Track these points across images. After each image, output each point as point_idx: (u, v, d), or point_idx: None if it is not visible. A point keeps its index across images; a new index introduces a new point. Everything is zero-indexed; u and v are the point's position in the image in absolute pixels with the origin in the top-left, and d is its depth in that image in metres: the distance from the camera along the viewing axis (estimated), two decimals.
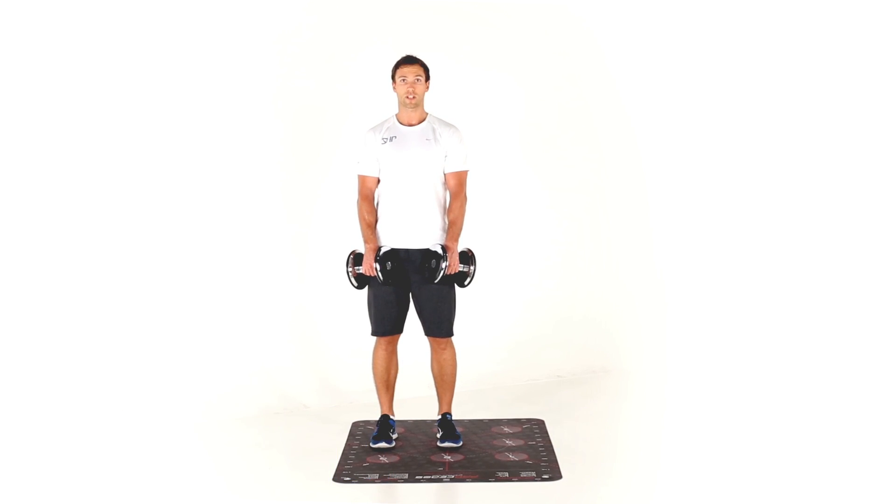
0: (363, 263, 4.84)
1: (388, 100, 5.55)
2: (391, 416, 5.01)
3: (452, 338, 4.93)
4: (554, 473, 4.55)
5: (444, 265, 4.74)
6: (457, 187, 4.86)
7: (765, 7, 5.92)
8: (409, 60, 4.86)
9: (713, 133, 6.22)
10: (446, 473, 4.58)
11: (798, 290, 5.92)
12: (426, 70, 4.87)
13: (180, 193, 5.44)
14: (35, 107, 5.10)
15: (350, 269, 4.88)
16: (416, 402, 5.38)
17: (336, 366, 5.77)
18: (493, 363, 6.06)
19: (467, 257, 4.89)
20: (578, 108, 6.35)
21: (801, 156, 5.92)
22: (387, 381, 4.98)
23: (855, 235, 5.75)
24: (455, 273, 4.81)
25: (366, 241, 4.84)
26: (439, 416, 5.01)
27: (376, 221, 4.87)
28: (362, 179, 4.89)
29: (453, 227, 4.84)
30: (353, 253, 4.92)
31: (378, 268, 4.76)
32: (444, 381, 4.97)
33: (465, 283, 4.91)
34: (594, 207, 6.46)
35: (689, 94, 6.27)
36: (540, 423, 5.31)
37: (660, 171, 6.43)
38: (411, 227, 4.82)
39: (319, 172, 5.79)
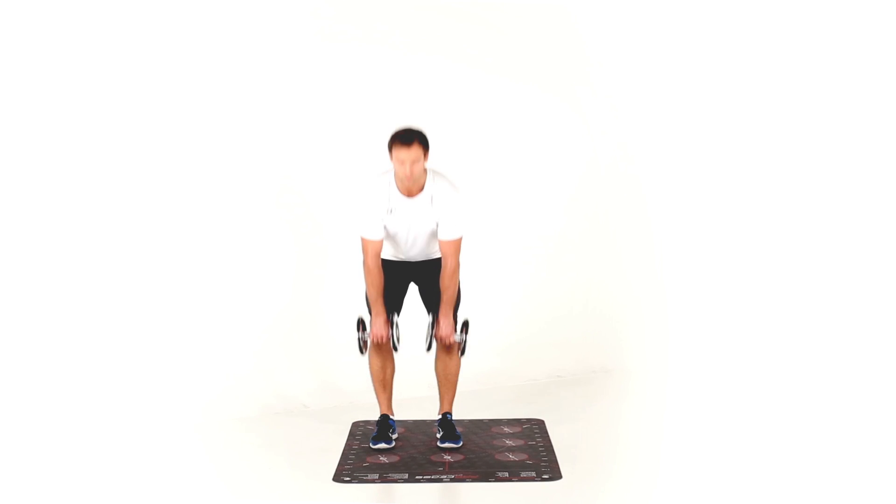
0: (372, 332, 4.81)
1: (386, 101, 5.56)
2: (391, 416, 5.01)
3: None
4: (554, 473, 4.54)
5: (431, 334, 4.83)
6: (447, 254, 4.77)
7: (762, 9, 5.92)
8: (405, 140, 4.51)
9: (715, 133, 6.21)
10: (446, 473, 4.57)
11: (800, 290, 5.91)
12: (425, 145, 4.56)
13: (178, 194, 5.43)
14: (31, 106, 5.08)
15: (360, 335, 4.87)
16: (416, 402, 5.38)
17: (336, 366, 5.77)
18: (492, 363, 6.05)
19: (461, 327, 4.89)
20: (579, 108, 6.34)
21: (803, 157, 5.92)
22: (383, 380, 4.98)
23: (855, 236, 5.74)
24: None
25: (376, 315, 4.81)
26: (440, 416, 5.00)
27: (385, 289, 4.82)
28: (370, 243, 4.75)
29: (444, 294, 4.79)
30: (360, 320, 4.89)
31: (395, 337, 4.82)
32: (448, 379, 4.97)
33: (460, 353, 4.93)
34: (595, 206, 6.45)
35: (691, 94, 6.26)
36: (540, 423, 5.31)
37: (661, 170, 6.42)
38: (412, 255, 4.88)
39: (317, 171, 5.77)
